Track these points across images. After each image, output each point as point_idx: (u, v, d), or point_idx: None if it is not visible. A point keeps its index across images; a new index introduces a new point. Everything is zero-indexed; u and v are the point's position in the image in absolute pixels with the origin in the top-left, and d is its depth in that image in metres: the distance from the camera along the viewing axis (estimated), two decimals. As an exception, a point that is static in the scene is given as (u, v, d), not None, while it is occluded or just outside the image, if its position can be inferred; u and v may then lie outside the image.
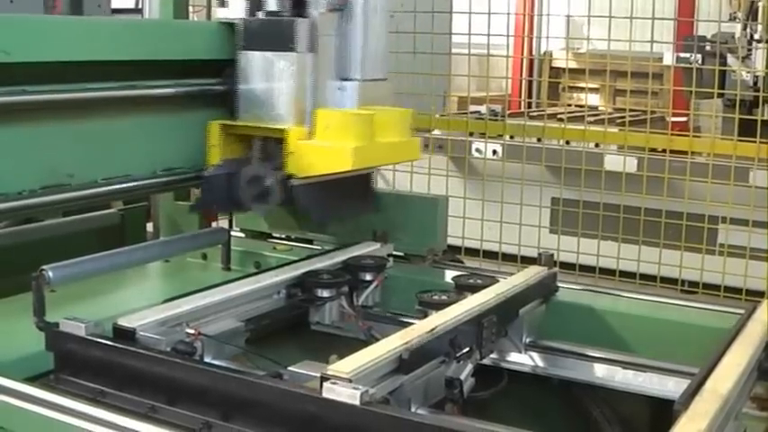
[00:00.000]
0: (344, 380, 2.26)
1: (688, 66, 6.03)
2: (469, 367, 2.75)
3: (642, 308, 3.44)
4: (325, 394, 2.22)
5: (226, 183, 3.37)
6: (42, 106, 3.04)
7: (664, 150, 5.89)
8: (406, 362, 2.49)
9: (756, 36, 6.51)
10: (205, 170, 3.40)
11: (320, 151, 3.21)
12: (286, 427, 2.27)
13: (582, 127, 6.13)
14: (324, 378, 2.26)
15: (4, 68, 2.83)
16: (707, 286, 5.37)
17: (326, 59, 3.36)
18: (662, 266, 5.51)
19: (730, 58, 6.48)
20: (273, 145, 3.34)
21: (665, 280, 5.51)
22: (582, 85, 8.18)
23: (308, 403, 2.25)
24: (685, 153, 5.92)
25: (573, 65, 8.47)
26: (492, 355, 3.10)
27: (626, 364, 3.10)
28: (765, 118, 5.89)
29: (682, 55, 6.24)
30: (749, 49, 6.46)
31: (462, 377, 2.69)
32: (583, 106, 7.01)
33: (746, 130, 5.82)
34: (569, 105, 7.79)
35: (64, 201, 3.14)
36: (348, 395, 2.19)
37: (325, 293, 3.20)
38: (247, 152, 3.43)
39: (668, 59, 6.29)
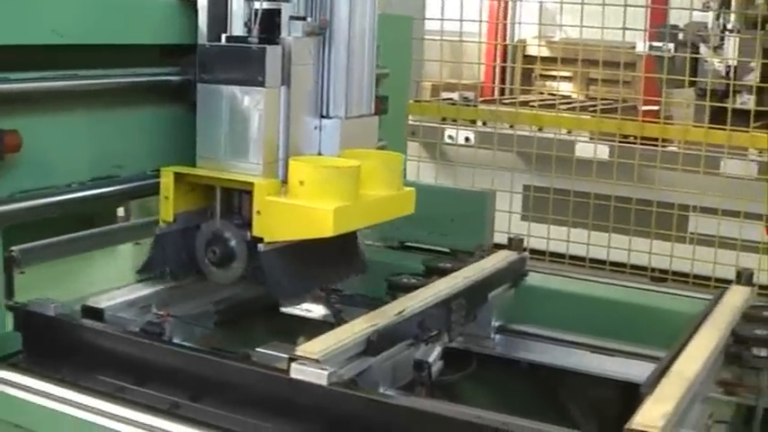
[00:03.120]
0: (312, 361, 2.26)
1: (660, 54, 6.07)
2: (438, 350, 2.74)
3: (611, 293, 3.46)
4: (293, 375, 2.24)
5: (181, 241, 2.86)
6: (94, 92, 2.83)
7: (638, 139, 5.93)
8: (374, 344, 2.50)
9: (729, 26, 6.52)
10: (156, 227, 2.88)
11: (294, 212, 2.58)
12: (254, 408, 2.27)
13: (555, 113, 6.17)
14: (292, 359, 2.28)
15: (55, 51, 2.68)
16: (676, 274, 5.42)
17: (302, 93, 2.79)
18: (632, 254, 5.56)
19: (703, 48, 6.50)
20: (240, 196, 2.80)
21: (634, 267, 5.55)
22: (554, 73, 8.22)
23: (276, 384, 2.26)
24: (658, 142, 5.97)
25: (546, 53, 8.50)
26: (461, 339, 3.11)
27: (594, 348, 3.13)
28: (736, 107, 5.93)
29: (654, 44, 6.27)
30: (722, 39, 6.48)
31: (431, 360, 2.69)
32: (555, 94, 7.02)
33: (718, 119, 5.87)
34: (541, 93, 7.82)
35: (113, 193, 2.95)
36: (316, 376, 2.21)
37: (295, 275, 3.18)
38: (208, 203, 2.85)
39: (641, 48, 6.32)
